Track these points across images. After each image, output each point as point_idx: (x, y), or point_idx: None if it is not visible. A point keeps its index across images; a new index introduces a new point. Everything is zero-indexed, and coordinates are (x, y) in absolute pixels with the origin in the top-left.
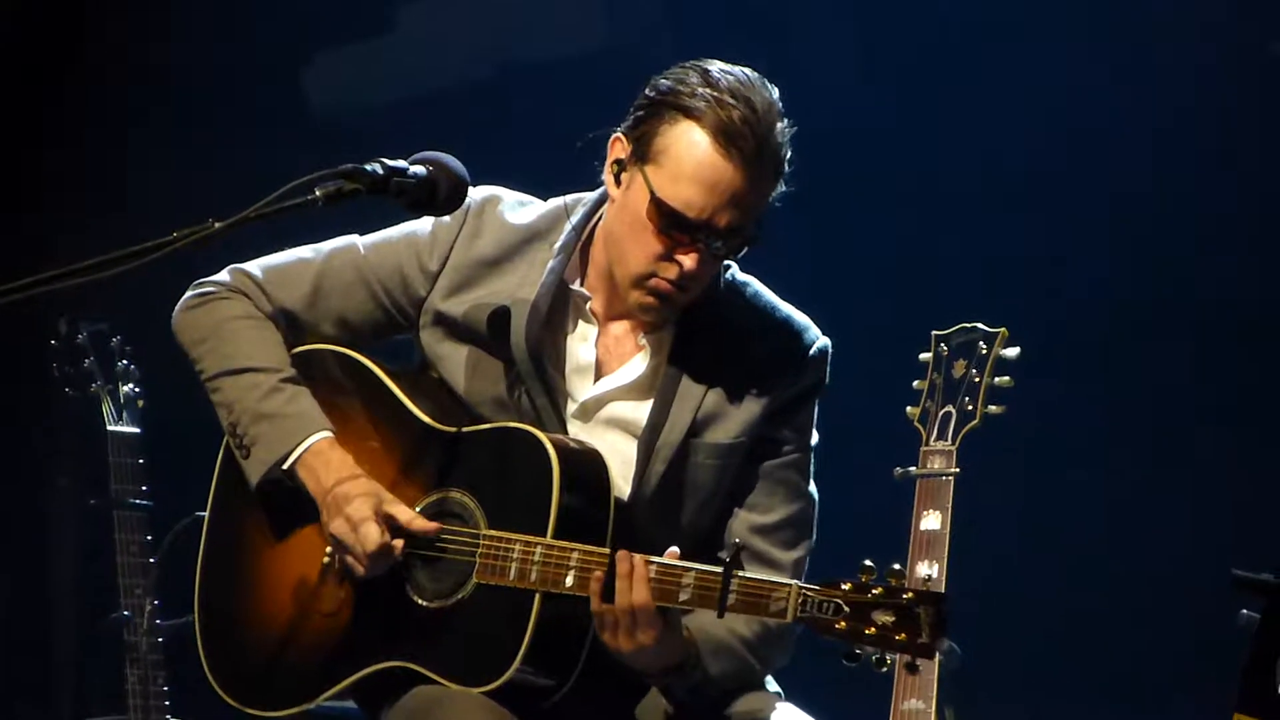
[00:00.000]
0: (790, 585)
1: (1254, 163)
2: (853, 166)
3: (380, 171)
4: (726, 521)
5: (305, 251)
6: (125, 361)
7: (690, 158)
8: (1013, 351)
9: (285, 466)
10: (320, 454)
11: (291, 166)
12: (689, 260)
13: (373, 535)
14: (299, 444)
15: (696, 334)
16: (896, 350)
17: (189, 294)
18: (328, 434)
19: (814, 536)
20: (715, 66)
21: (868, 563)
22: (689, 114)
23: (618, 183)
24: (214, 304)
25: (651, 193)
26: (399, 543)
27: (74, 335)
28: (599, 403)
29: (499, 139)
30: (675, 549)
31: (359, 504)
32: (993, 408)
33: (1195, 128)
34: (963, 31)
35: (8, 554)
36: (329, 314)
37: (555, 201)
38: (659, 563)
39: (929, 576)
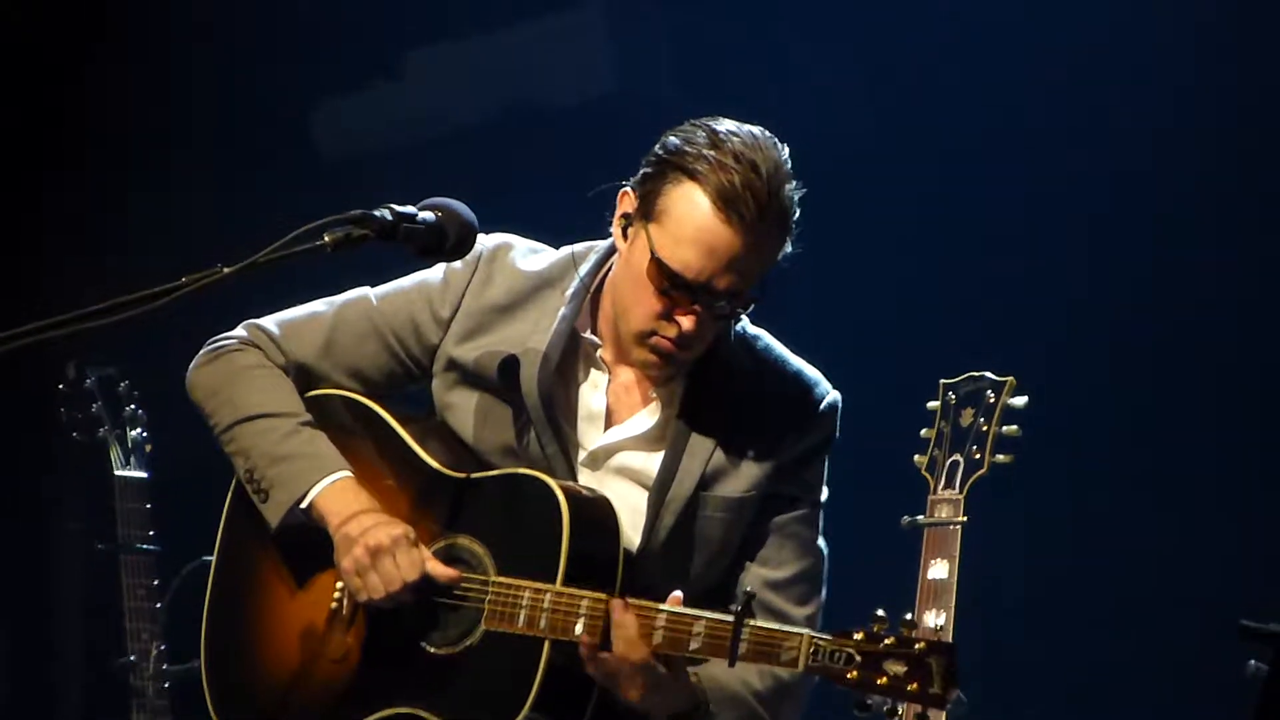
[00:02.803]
0: (802, 634)
1: (1261, 208)
2: (859, 214)
3: (389, 217)
4: (736, 575)
5: (318, 305)
6: (133, 406)
7: (690, 220)
8: (1021, 400)
9: (305, 504)
10: (344, 490)
11: (299, 213)
12: (687, 321)
13: (415, 559)
14: (319, 481)
15: (707, 387)
16: (904, 398)
17: (202, 351)
18: (348, 474)
19: (825, 591)
20: (724, 126)
21: (880, 612)
22: (692, 176)
23: (624, 236)
24: (226, 357)
25: (652, 252)
26: (441, 569)
27: (82, 380)
28: (608, 452)
29: (506, 185)
30: (678, 594)
31: (394, 529)
32: (1001, 456)
33: (1202, 171)
34: (966, 78)
35: (14, 598)
36: (342, 365)
37: (565, 250)
38: (670, 611)
39: (939, 626)
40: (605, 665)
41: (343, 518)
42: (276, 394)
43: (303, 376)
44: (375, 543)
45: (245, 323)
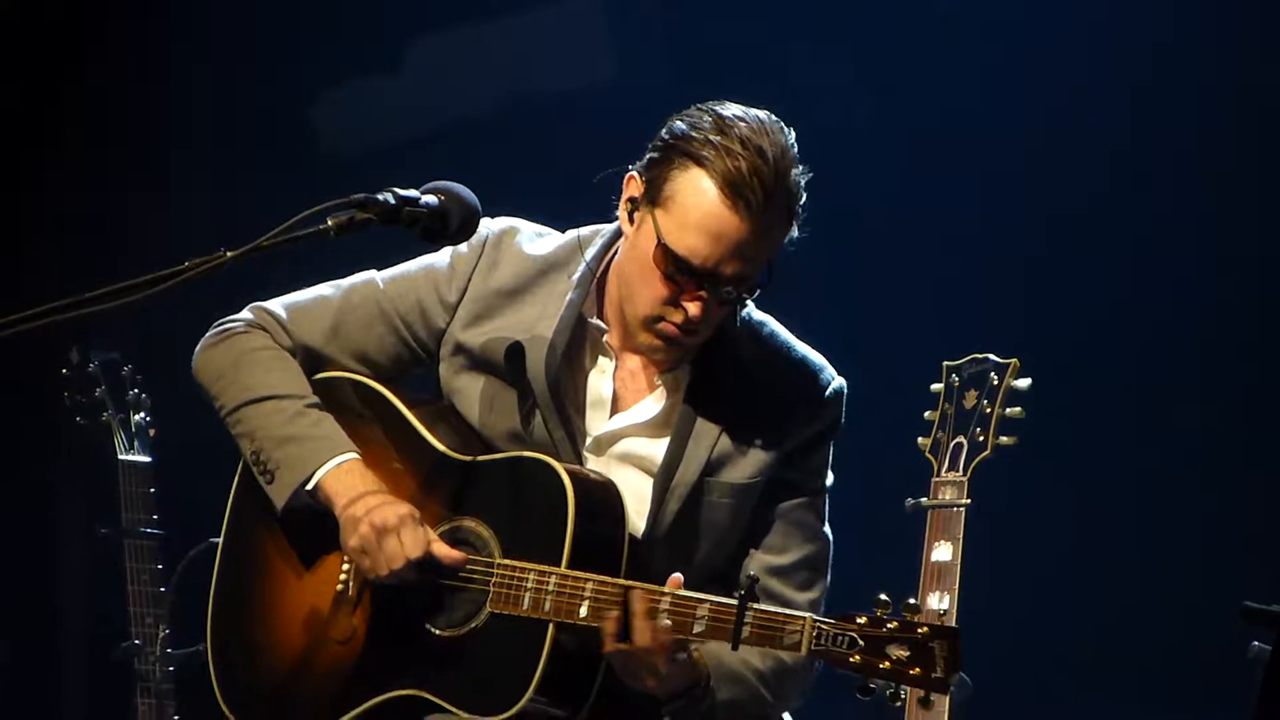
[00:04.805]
0: (805, 618)
1: (1260, 202)
2: (862, 198)
3: (392, 201)
4: (740, 561)
5: (326, 289)
6: (137, 390)
7: (697, 207)
8: (1024, 382)
9: (310, 486)
10: (351, 472)
11: (300, 203)
12: (694, 307)
13: (420, 537)
14: (326, 462)
15: (713, 373)
16: (908, 380)
17: (208, 334)
18: (355, 455)
19: (829, 577)
20: (730, 111)
21: (883, 596)
22: (699, 162)
23: (631, 221)
24: (232, 339)
25: (659, 238)
26: (446, 550)
27: (86, 364)
28: (614, 438)
29: (506, 172)
30: (678, 576)
31: (401, 508)
32: (1004, 439)
33: (1203, 165)
34: (970, 66)
35: (19, 584)
36: (349, 349)
37: (571, 233)
38: (674, 595)
39: (943, 611)
40: (625, 655)
41: (349, 498)
42: (283, 376)
43: (309, 360)
44: (381, 521)
45: (251, 305)
